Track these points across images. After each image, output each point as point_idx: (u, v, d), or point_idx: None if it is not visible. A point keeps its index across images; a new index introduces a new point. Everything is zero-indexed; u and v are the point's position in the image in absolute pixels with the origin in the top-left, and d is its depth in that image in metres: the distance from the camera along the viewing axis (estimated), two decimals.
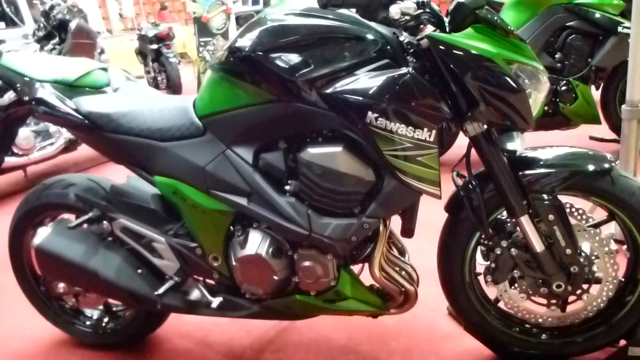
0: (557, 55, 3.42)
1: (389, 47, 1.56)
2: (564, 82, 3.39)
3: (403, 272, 1.76)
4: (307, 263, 1.67)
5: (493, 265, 1.71)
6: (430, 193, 1.54)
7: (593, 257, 1.68)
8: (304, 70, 1.51)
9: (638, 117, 2.29)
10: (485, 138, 1.57)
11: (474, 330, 1.86)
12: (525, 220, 1.61)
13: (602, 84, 3.60)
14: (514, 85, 1.47)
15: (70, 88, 1.90)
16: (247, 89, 1.61)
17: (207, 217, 1.75)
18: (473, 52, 1.45)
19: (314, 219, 1.61)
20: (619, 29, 3.27)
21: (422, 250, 2.02)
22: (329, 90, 1.50)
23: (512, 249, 1.67)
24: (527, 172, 1.62)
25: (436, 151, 1.50)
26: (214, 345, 2.16)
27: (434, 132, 1.49)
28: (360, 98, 1.47)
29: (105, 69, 2.01)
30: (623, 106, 2.32)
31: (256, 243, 1.69)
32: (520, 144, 1.55)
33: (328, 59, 1.53)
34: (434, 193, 1.54)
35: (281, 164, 1.63)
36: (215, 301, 1.81)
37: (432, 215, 1.64)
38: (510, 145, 1.54)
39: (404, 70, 1.48)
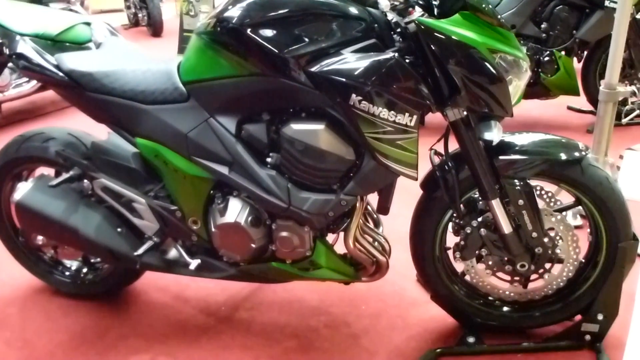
0: (542, 25, 3.42)
1: (376, 26, 1.57)
2: (547, 52, 3.40)
3: (376, 244, 1.83)
4: (284, 233, 1.72)
5: (462, 242, 1.78)
6: (408, 175, 1.58)
7: (557, 240, 1.76)
8: (291, 47, 1.51)
9: (614, 99, 2.34)
10: (465, 123, 1.60)
11: (439, 300, 1.95)
12: (496, 203, 1.67)
13: (584, 57, 3.63)
14: (496, 74, 1.49)
15: (53, 43, 1.85)
16: (233, 59, 1.60)
17: (188, 182, 1.77)
18: (458, 39, 1.47)
19: (294, 192, 1.64)
20: (606, 2, 3.28)
21: (397, 216, 2.06)
22: (314, 69, 1.50)
23: (482, 229, 1.74)
24: (502, 157, 1.66)
25: (416, 135, 1.54)
26: (190, 300, 2.22)
27: (415, 117, 1.51)
28: (345, 80, 1.48)
29: (88, 23, 1.95)
30: (601, 88, 2.37)
31: (235, 211, 1.73)
32: (497, 133, 1.58)
33: (315, 36, 1.53)
34: (411, 175, 1.58)
35: (264, 136, 1.65)
36: (193, 263, 1.85)
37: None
38: (487, 135, 1.57)
39: (389, 54, 1.48)
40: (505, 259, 1.77)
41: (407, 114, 1.50)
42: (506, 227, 1.70)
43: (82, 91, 1.78)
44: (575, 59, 3.53)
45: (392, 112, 1.49)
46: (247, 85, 1.61)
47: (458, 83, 1.50)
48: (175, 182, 1.80)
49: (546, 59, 3.38)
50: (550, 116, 4.03)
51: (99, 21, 2.04)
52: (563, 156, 1.67)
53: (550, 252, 1.76)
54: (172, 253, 1.93)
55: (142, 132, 1.78)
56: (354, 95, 1.48)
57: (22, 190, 1.89)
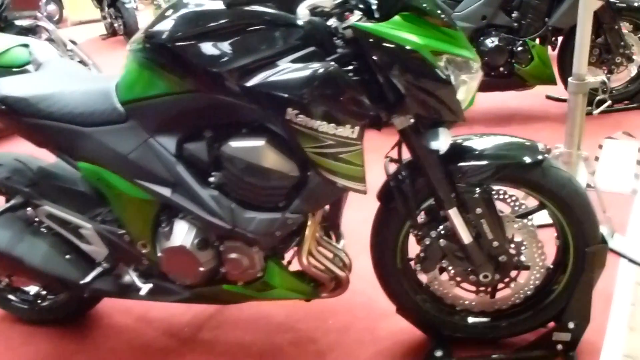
0: (514, 14, 3.29)
1: (315, 33, 1.45)
2: (520, 42, 3.27)
3: (335, 259, 1.71)
4: (233, 255, 1.60)
5: (423, 254, 1.67)
6: (356, 190, 1.47)
7: (522, 247, 1.65)
8: (223, 61, 1.39)
9: (584, 91, 2.21)
10: (414, 131, 1.49)
11: (405, 313, 1.83)
12: (453, 212, 1.56)
13: (558, 44, 3.49)
14: (441, 78, 1.37)
15: None
16: (166, 76, 1.48)
17: (133, 205, 1.66)
18: (397, 43, 1.35)
19: (238, 213, 1.53)
20: None
21: (369, 221, 1.93)
22: (249, 83, 1.38)
23: (441, 240, 1.63)
24: (457, 164, 1.55)
25: (360, 148, 1.42)
26: (154, 321, 2.12)
27: (357, 128, 1.39)
28: (279, 93, 1.36)
29: (26, 45, 1.83)
30: (569, 79, 2.24)
31: (181, 234, 1.61)
32: (444, 141, 1.45)
33: (250, 48, 1.40)
34: (360, 190, 1.47)
35: (205, 155, 1.53)
36: (145, 287, 1.74)
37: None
38: (433, 144, 1.44)
39: (324, 63, 1.36)
40: (469, 269, 1.66)
41: (348, 126, 1.38)
42: (466, 237, 1.58)
43: (18, 117, 1.67)
44: (549, 48, 3.39)
45: (332, 124, 1.37)
46: (183, 103, 1.50)
47: (402, 89, 1.38)
48: (120, 206, 1.68)
49: (519, 48, 3.25)
50: (528, 107, 3.88)
51: (39, 42, 1.92)
52: (521, 159, 1.55)
53: (514, 259, 1.65)
54: (125, 278, 1.81)
55: (83, 156, 1.67)
56: (289, 109, 1.36)
57: None
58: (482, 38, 3.27)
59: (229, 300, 1.77)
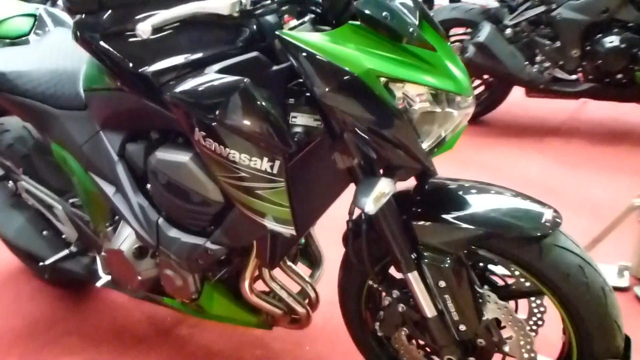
0: None
1: (265, 35, 1.14)
2: None
3: (299, 292, 1.45)
4: (167, 271, 1.41)
5: (382, 314, 1.33)
6: (282, 231, 1.17)
7: (505, 335, 1.23)
8: (143, 61, 1.15)
9: None
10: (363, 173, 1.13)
11: None
12: (413, 277, 1.19)
13: None
14: (388, 112, 0.99)
15: None
16: (102, 70, 1.29)
17: (92, 196, 1.53)
18: (330, 62, 0.99)
19: (163, 229, 1.32)
20: None
21: None
22: (164, 92, 1.13)
23: (401, 305, 1.27)
24: (420, 221, 1.16)
25: (283, 186, 1.10)
26: (143, 304, 2.02)
27: (277, 163, 1.08)
28: (185, 109, 1.09)
29: (32, 15, 1.75)
30: None
31: (121, 238, 1.45)
32: (371, 199, 1.05)
33: (177, 49, 1.14)
34: (286, 232, 1.16)
35: (140, 160, 1.34)
36: (104, 279, 1.63)
37: None
38: (359, 201, 1.06)
39: (236, 80, 1.05)
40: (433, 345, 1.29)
41: (265, 159, 1.08)
42: (428, 310, 1.21)
43: None
44: None
45: (245, 154, 1.08)
46: (119, 101, 1.30)
47: (334, 122, 1.04)
48: (82, 194, 1.57)
49: None
50: None
51: (54, 10, 1.82)
52: (511, 228, 1.11)
53: (493, 348, 1.24)
54: (93, 264, 1.72)
55: (54, 137, 1.57)
56: (197, 130, 1.10)
57: None
58: (599, 35, 2.59)
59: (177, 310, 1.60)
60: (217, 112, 1.05)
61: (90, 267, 1.72)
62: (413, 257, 1.17)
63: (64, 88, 1.51)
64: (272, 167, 1.08)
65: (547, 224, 1.10)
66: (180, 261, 1.32)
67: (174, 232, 1.31)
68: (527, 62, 2.84)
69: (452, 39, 3.10)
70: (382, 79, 0.99)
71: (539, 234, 1.10)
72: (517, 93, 3.05)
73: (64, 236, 1.74)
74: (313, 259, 1.60)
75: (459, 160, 2.83)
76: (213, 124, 1.06)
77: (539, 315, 1.24)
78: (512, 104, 3.21)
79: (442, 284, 1.17)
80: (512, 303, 1.27)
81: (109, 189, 1.42)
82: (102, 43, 1.19)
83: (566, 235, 1.15)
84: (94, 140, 1.43)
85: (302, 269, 1.62)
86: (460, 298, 1.18)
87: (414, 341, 1.35)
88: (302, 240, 1.61)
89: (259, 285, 1.46)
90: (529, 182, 2.59)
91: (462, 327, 1.20)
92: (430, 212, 1.17)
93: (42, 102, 1.54)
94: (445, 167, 2.77)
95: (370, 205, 1.02)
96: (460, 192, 1.20)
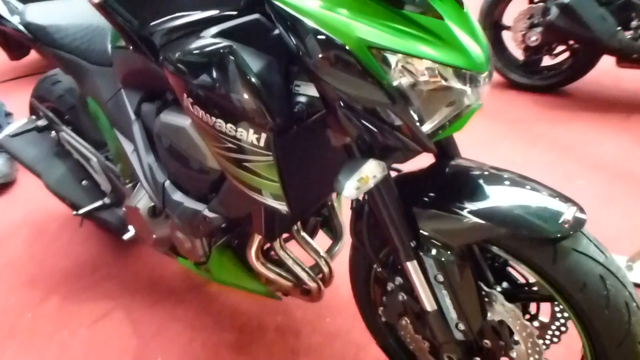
0: None
1: None
2: None
3: (314, 266, 1.40)
4: (177, 233, 1.41)
5: (384, 300, 1.24)
6: (274, 207, 1.10)
7: (513, 340, 1.10)
8: (147, 22, 1.09)
9: None
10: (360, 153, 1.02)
11: (385, 350, 1.45)
12: (412, 267, 1.08)
13: None
14: (380, 89, 0.88)
15: None
16: (117, 28, 1.26)
17: (117, 152, 1.55)
18: (316, 29, 0.88)
19: (168, 193, 1.30)
20: None
21: None
22: (164, 53, 1.08)
23: (401, 293, 1.18)
24: (423, 208, 1.05)
25: (271, 160, 1.03)
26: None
27: (264, 136, 1.00)
28: (174, 74, 1.04)
29: None
30: None
31: (139, 196, 1.46)
32: (352, 184, 0.94)
33: (181, 9, 1.08)
34: (278, 208, 1.10)
35: (152, 120, 1.31)
36: (130, 233, 1.67)
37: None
38: (338, 184, 0.96)
39: (222, 44, 0.97)
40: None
41: (251, 131, 1.01)
42: (428, 303, 1.10)
43: (40, 45, 1.64)
44: None
45: (230, 125, 1.01)
46: (133, 60, 1.28)
47: (325, 93, 0.94)
48: (112, 148, 1.59)
49: None
50: None
51: None
52: (522, 225, 0.97)
53: (499, 352, 1.12)
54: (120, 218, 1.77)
55: (87, 91, 1.59)
56: (185, 96, 1.04)
57: (7, 129, 1.89)
58: None
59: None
60: (201, 79, 0.98)
61: (122, 219, 1.76)
62: (413, 245, 1.07)
63: (95, 44, 1.51)
64: (258, 139, 1.01)
65: (565, 225, 0.95)
66: (183, 225, 1.30)
67: (177, 196, 1.29)
68: (619, 28, 2.49)
69: None
70: (377, 51, 0.87)
71: (553, 236, 0.95)
72: (607, 62, 2.71)
73: (102, 188, 1.79)
74: (334, 233, 1.53)
75: (529, 133, 2.59)
76: (198, 90, 1.00)
77: (557, 324, 1.10)
78: (601, 74, 2.86)
79: (440, 278, 1.05)
80: (533, 306, 1.14)
81: (128, 147, 1.42)
82: (109, 2, 1.15)
83: (590, 239, 0.99)
84: (116, 98, 1.43)
85: (322, 241, 1.56)
86: (461, 295, 1.06)
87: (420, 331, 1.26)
88: (326, 212, 1.55)
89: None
90: (602, 165, 2.32)
91: (461, 326, 1.09)
92: (434, 199, 1.05)
93: (77, 56, 1.56)
94: (511, 141, 2.58)
95: (350, 189, 0.92)
96: (474, 180, 1.06)
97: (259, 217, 1.18)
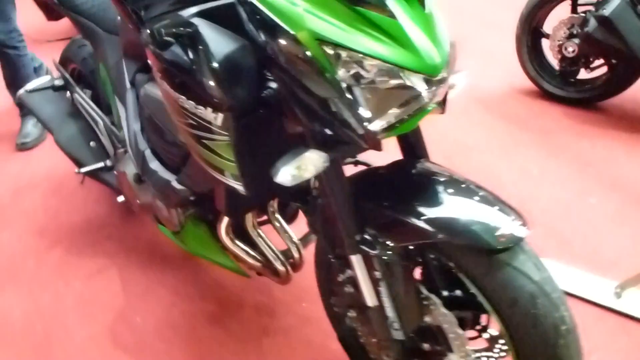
0: None
1: None
2: None
3: (275, 248, 1.43)
4: (157, 201, 1.46)
5: (336, 289, 1.26)
6: (232, 185, 1.13)
7: (449, 348, 1.10)
8: None
9: None
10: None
11: (342, 341, 1.46)
12: (356, 261, 1.09)
13: None
14: (325, 82, 0.89)
15: None
16: None
17: (117, 117, 1.62)
18: (269, 17, 0.90)
19: (147, 161, 1.36)
20: None
21: None
22: (143, 28, 1.12)
23: (349, 285, 1.19)
24: (371, 204, 1.05)
25: (226, 140, 1.06)
26: None
27: (221, 116, 1.03)
28: (149, 47, 1.07)
29: None
30: None
31: (127, 161, 1.53)
32: (288, 170, 0.94)
33: None
34: (236, 187, 1.12)
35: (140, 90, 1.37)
36: (122, 197, 1.74)
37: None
38: (274, 170, 0.96)
39: (187, 20, 1.00)
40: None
41: (209, 109, 1.04)
42: (369, 298, 1.11)
43: (64, 9, 1.72)
44: None
45: (192, 101, 1.05)
46: (131, 31, 1.32)
47: (278, 82, 0.96)
48: (114, 114, 1.66)
49: None
50: None
51: None
52: (459, 234, 0.96)
53: (436, 357, 1.12)
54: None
55: (99, 57, 1.67)
56: (155, 69, 1.08)
57: (29, 85, 2.00)
58: None
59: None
60: (168, 54, 1.02)
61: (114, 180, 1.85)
62: (358, 239, 1.07)
63: (109, 12, 1.58)
64: (215, 118, 1.04)
65: (501, 238, 0.93)
66: (157, 194, 1.35)
67: (154, 165, 1.34)
68: None
69: (581, 9, 2.67)
70: (325, 44, 0.88)
71: (487, 247, 0.94)
72: None
73: (107, 150, 1.87)
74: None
75: (552, 145, 2.52)
76: (165, 65, 1.04)
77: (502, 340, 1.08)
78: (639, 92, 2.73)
79: (378, 274, 1.06)
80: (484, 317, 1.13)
81: (122, 114, 1.49)
82: None
83: (529, 256, 0.97)
84: (118, 65, 1.49)
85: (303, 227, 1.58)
86: (398, 295, 1.06)
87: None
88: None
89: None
90: (620, 186, 2.22)
91: (396, 325, 1.09)
92: (384, 197, 1.05)
93: (93, 22, 1.63)
94: (532, 151, 2.50)
95: (284, 175, 0.93)
96: (429, 183, 1.05)
97: (220, 194, 1.22)
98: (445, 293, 1.12)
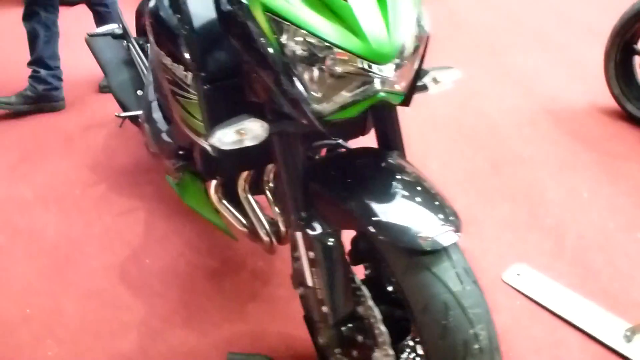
0: None
1: None
2: None
3: (262, 217, 1.46)
4: (158, 150, 1.55)
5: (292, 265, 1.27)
6: (200, 143, 1.17)
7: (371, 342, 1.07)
8: None
9: None
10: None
11: (305, 320, 1.45)
12: (299, 239, 1.09)
13: None
14: (271, 55, 0.89)
15: None
16: None
17: None
18: None
19: (151, 111, 1.45)
20: None
21: None
22: None
23: (297, 262, 1.19)
24: (318, 185, 1.04)
25: (194, 99, 1.09)
26: None
27: (190, 75, 1.07)
28: (143, 8, 1.14)
29: None
30: None
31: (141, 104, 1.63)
32: (224, 134, 0.94)
33: None
34: (201, 145, 1.16)
35: None
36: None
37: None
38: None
39: None
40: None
41: (182, 67, 1.08)
42: (309, 278, 1.11)
43: None
44: None
45: (170, 58, 1.10)
46: None
47: (236, 50, 0.98)
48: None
49: None
50: None
51: None
52: (384, 228, 0.93)
53: (366, 350, 1.10)
54: None
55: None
56: (145, 24, 1.14)
57: (91, 31, 2.16)
58: None
59: None
60: (148, 12, 1.08)
61: None
62: (301, 217, 1.07)
63: None
64: (186, 77, 1.08)
65: (421, 240, 0.89)
66: (156, 142, 1.43)
67: (156, 115, 1.43)
68: None
69: None
70: (273, 16, 0.88)
71: (403, 246, 0.90)
72: None
73: None
74: None
75: (616, 171, 2.30)
76: (152, 22, 1.10)
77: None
78: None
79: (312, 255, 1.05)
80: None
81: (150, 67, 1.59)
82: None
83: (455, 265, 0.91)
84: None
85: None
86: (329, 279, 1.05)
87: None
88: None
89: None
90: None
91: (325, 309, 1.08)
92: (333, 181, 1.04)
93: None
94: (590, 173, 2.31)
95: (217, 138, 0.94)
96: (384, 177, 1.01)
97: (197, 152, 1.27)
98: (390, 288, 1.10)
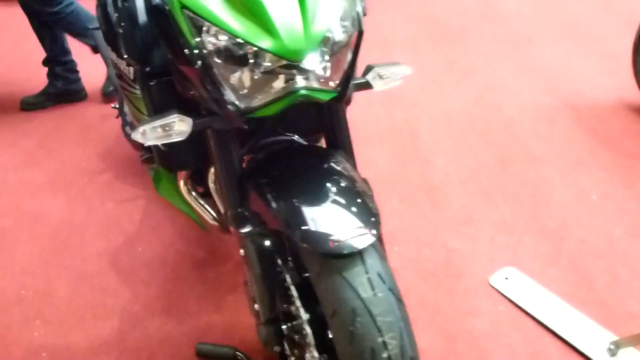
0: None
1: None
2: None
3: (206, 204, 1.47)
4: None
5: None
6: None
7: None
8: None
9: None
10: None
11: None
12: (235, 233, 1.09)
13: None
14: (188, 51, 0.88)
15: None
16: None
17: None
18: None
19: (124, 104, 1.46)
20: None
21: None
22: None
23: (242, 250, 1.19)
24: (251, 182, 1.03)
25: (137, 94, 1.10)
26: None
27: (131, 70, 1.08)
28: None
29: None
30: None
31: None
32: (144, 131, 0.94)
33: None
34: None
35: None
36: None
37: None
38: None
39: None
40: None
41: (124, 62, 1.09)
42: (247, 274, 1.11)
43: None
44: None
45: (114, 53, 1.11)
46: None
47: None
48: None
49: None
50: None
51: None
52: (297, 231, 0.90)
53: (302, 351, 1.09)
54: None
55: None
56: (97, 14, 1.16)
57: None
58: None
59: None
60: (99, 8, 1.10)
61: None
62: (235, 213, 1.07)
63: None
64: (129, 71, 1.10)
65: (332, 243, 0.87)
66: (125, 134, 1.46)
67: (126, 108, 1.45)
68: None
69: None
70: (189, 13, 0.87)
71: (312, 249, 0.88)
72: None
73: None
74: None
75: (632, 173, 2.15)
76: (97, 15, 1.12)
77: None
78: None
79: (242, 252, 1.05)
80: None
81: None
82: None
83: (369, 270, 0.88)
84: None
85: None
86: (254, 277, 1.05)
87: None
88: None
89: None
90: None
91: (256, 307, 1.08)
92: (270, 178, 1.02)
93: None
94: (604, 174, 2.22)
95: (140, 134, 0.94)
96: (318, 178, 0.99)
97: (155, 145, 1.28)
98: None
